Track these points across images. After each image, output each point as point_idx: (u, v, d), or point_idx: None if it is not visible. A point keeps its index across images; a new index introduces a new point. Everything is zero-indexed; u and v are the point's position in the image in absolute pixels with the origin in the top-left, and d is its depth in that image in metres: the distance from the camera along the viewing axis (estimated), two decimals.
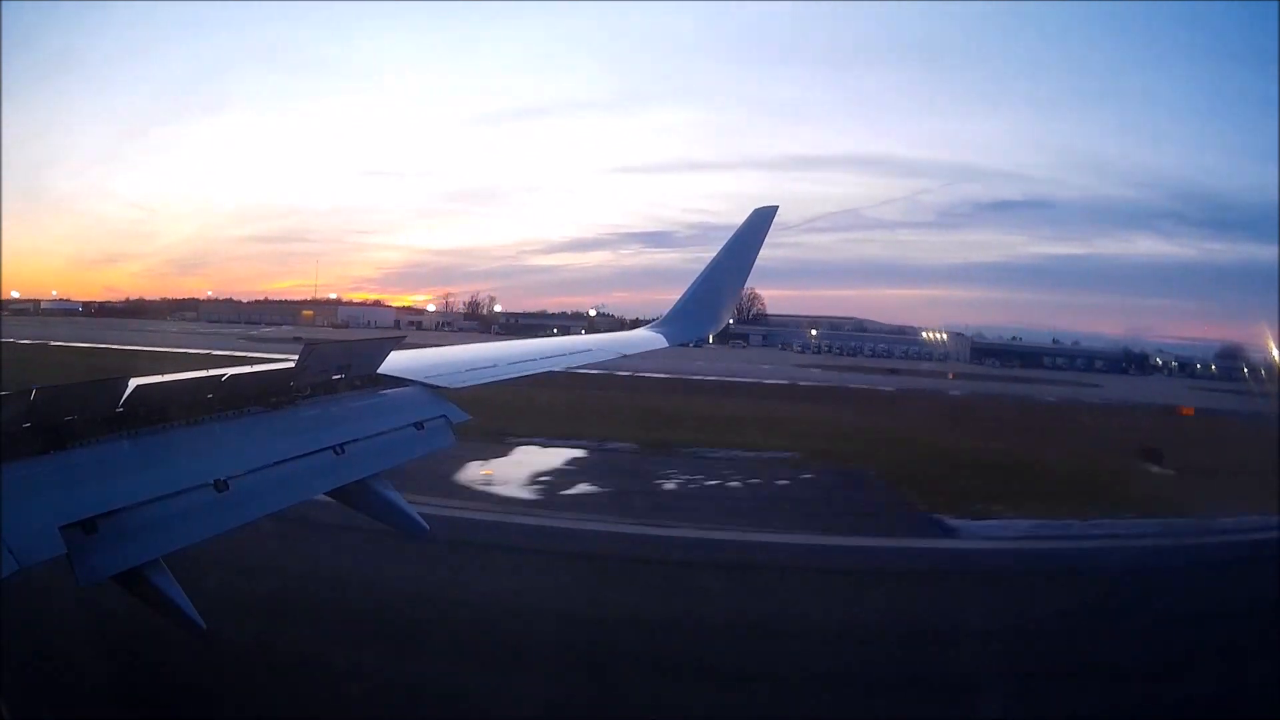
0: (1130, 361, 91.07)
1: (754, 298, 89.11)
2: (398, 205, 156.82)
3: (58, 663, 5.02)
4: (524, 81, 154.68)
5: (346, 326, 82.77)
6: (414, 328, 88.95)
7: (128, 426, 2.32)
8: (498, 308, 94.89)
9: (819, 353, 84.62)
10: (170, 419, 2.44)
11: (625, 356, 5.67)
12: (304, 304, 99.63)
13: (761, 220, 6.38)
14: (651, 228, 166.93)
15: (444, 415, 3.32)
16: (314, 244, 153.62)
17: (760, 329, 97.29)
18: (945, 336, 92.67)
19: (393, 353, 4.15)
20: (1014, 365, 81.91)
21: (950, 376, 55.39)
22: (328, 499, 2.75)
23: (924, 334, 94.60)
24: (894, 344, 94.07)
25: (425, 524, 2.88)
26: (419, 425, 3.16)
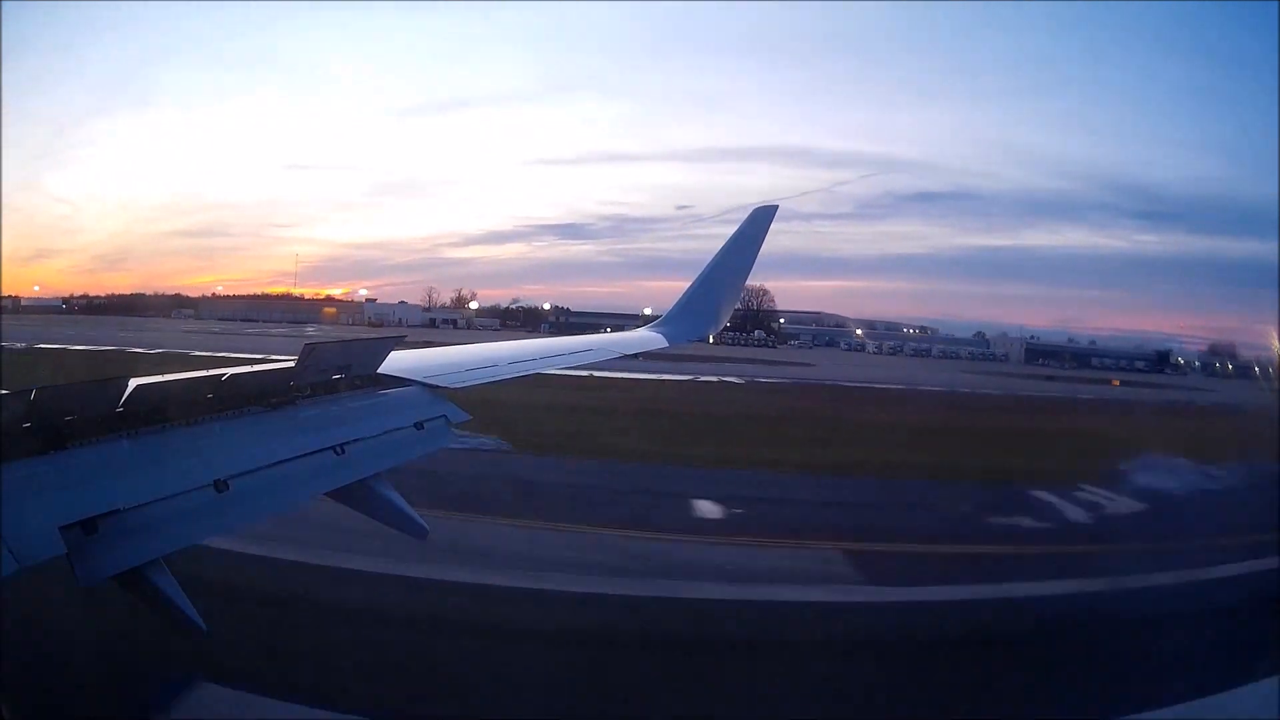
0: (1161, 361, 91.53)
1: (761, 293, 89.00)
2: (317, 199, 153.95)
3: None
4: (445, 74, 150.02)
5: (382, 325, 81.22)
6: (450, 326, 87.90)
7: (128, 426, 2.32)
8: (546, 305, 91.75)
9: (894, 354, 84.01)
10: (171, 419, 2.44)
11: (625, 357, 5.68)
12: (323, 301, 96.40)
13: (762, 219, 6.39)
14: (567, 220, 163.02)
15: (444, 415, 3.33)
16: (236, 238, 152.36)
17: (807, 328, 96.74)
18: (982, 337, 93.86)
19: (393, 352, 4.15)
20: (1071, 366, 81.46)
21: (1115, 384, 55.12)
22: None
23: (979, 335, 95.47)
24: (959, 346, 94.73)
25: (425, 525, 2.88)
26: (419, 425, 3.16)
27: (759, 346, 77.78)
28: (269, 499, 2.44)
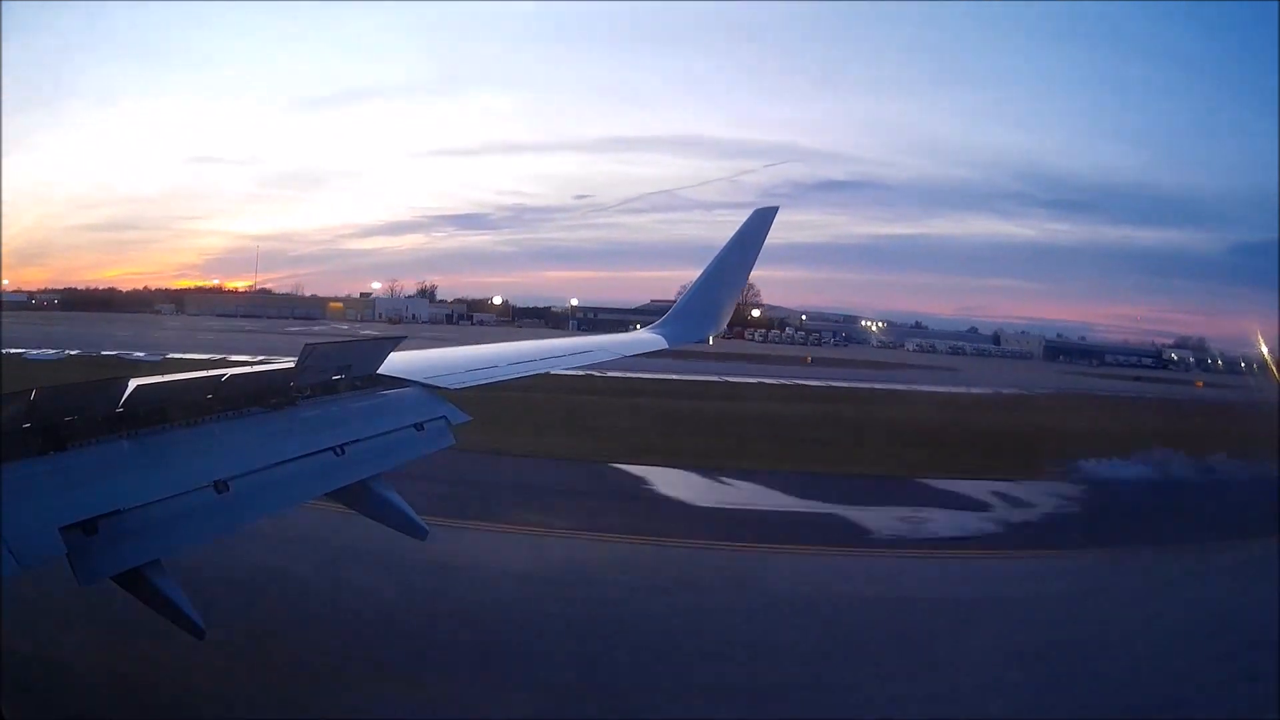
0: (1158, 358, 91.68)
1: (752, 291, 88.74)
2: (222, 191, 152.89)
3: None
4: (347, 66, 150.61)
5: (399, 321, 79.13)
6: (466, 322, 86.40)
7: (128, 427, 2.32)
8: (574, 301, 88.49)
9: (930, 352, 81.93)
10: (171, 420, 2.44)
11: (625, 357, 5.68)
12: (329, 298, 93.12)
13: (762, 221, 6.37)
14: (466, 210, 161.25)
15: (444, 416, 3.33)
16: (145, 231, 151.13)
17: (827, 324, 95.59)
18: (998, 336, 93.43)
19: (393, 352, 4.16)
20: (1092, 363, 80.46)
21: (1199, 385, 52.58)
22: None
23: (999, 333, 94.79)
24: (976, 343, 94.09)
25: (425, 526, 2.88)
26: (419, 426, 3.16)
27: (798, 344, 77.05)
28: (269, 500, 2.44)
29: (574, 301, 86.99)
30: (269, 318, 76.10)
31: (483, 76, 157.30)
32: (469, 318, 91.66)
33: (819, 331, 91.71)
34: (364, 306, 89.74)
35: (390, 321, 78.74)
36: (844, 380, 34.86)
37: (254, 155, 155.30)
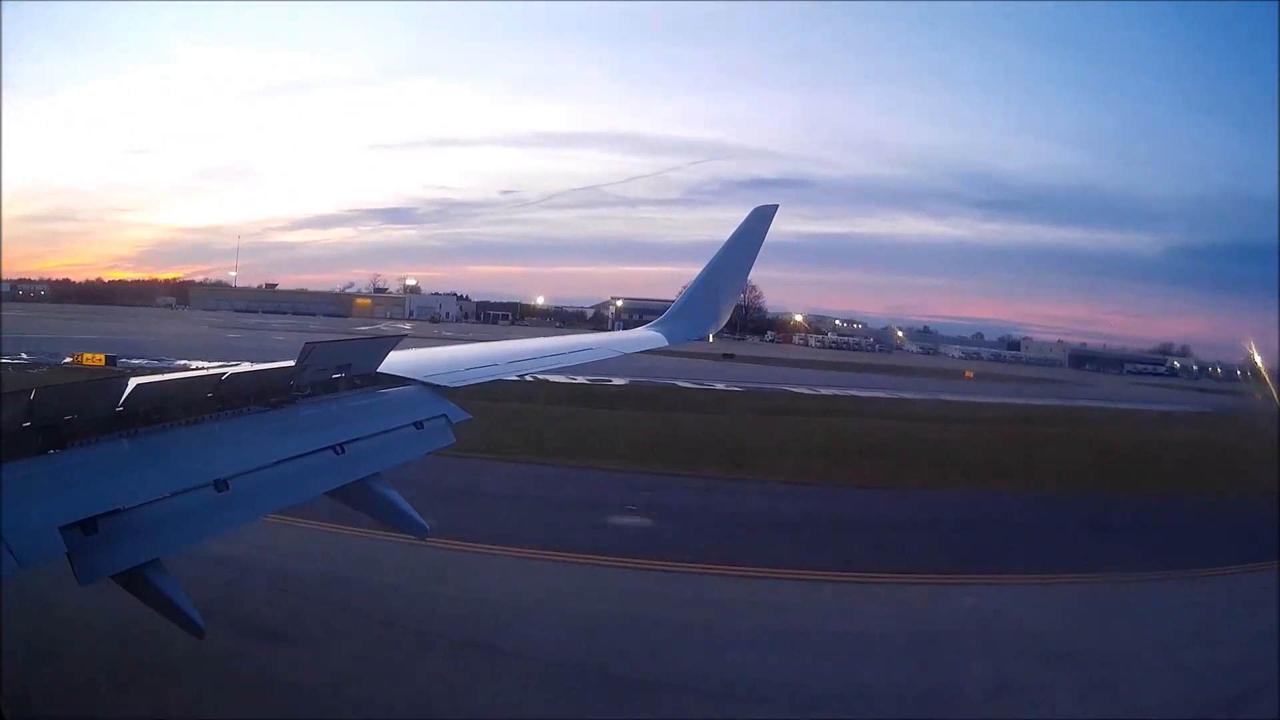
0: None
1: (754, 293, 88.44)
2: (155, 183, 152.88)
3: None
4: (279, 59, 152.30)
5: (438, 320, 77.96)
6: (505, 320, 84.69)
7: (128, 426, 2.32)
8: (619, 303, 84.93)
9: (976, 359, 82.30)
10: (171, 419, 2.44)
11: (625, 355, 5.68)
12: (352, 293, 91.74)
13: (761, 219, 6.36)
14: (393, 204, 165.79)
15: (444, 415, 3.32)
16: (80, 223, 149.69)
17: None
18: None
19: (393, 352, 4.16)
20: (1113, 371, 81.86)
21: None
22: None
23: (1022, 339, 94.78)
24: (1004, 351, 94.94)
25: (425, 524, 2.88)
26: (419, 425, 3.16)
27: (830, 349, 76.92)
28: (269, 499, 2.44)
29: (619, 302, 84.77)
30: (295, 314, 73.88)
31: (412, 70, 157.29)
32: (505, 316, 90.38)
33: (851, 338, 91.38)
34: (393, 304, 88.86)
35: (431, 320, 77.76)
36: (1077, 400, 34.32)
37: (187, 148, 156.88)
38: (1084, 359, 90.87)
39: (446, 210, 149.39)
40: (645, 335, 6.07)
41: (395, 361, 3.90)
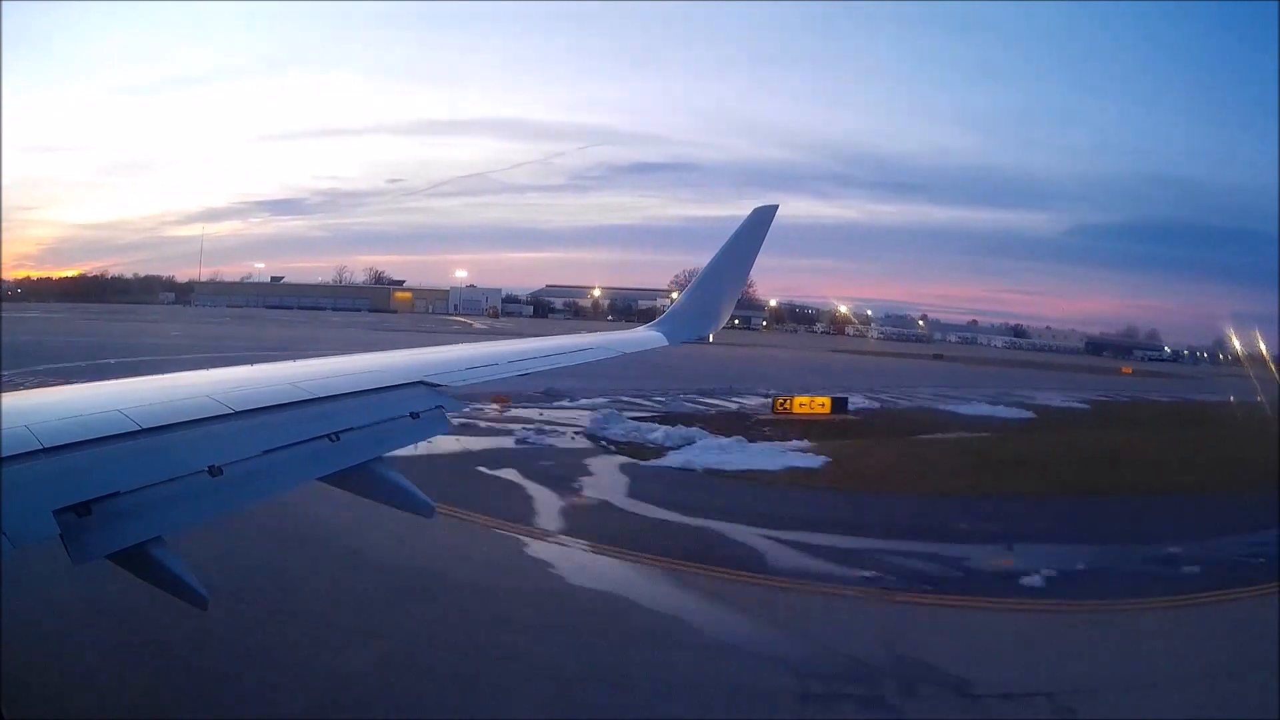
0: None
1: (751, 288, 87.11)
2: (55, 180, 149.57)
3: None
4: (172, 52, 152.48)
5: (497, 315, 75.00)
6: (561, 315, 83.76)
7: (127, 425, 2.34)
8: (674, 293, 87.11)
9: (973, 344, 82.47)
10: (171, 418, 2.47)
11: (625, 355, 5.67)
12: (382, 286, 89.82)
13: (761, 218, 6.37)
14: (282, 195, 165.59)
15: (440, 405, 3.34)
16: None
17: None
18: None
19: (393, 352, 4.18)
20: (1135, 359, 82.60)
21: None
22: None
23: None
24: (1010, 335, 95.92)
25: (431, 502, 2.88)
26: (414, 415, 3.17)
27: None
28: (263, 483, 2.45)
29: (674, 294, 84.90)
30: (328, 309, 71.78)
31: (300, 60, 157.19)
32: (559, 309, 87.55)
33: (895, 329, 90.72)
34: (436, 298, 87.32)
35: (493, 315, 74.98)
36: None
37: (85, 143, 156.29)
38: (1101, 346, 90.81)
39: (334, 200, 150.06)
40: (647, 335, 6.07)
41: (396, 362, 3.92)
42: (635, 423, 17.67)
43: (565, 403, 20.75)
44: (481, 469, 12.97)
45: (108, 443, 2.22)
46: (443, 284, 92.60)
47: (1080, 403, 33.12)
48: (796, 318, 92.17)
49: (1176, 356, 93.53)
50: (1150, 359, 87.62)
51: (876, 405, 25.66)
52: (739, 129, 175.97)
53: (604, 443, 15.92)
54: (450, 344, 5.03)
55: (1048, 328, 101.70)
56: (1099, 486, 14.23)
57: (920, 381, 36.54)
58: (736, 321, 77.95)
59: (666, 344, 5.92)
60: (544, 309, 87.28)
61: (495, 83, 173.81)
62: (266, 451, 2.51)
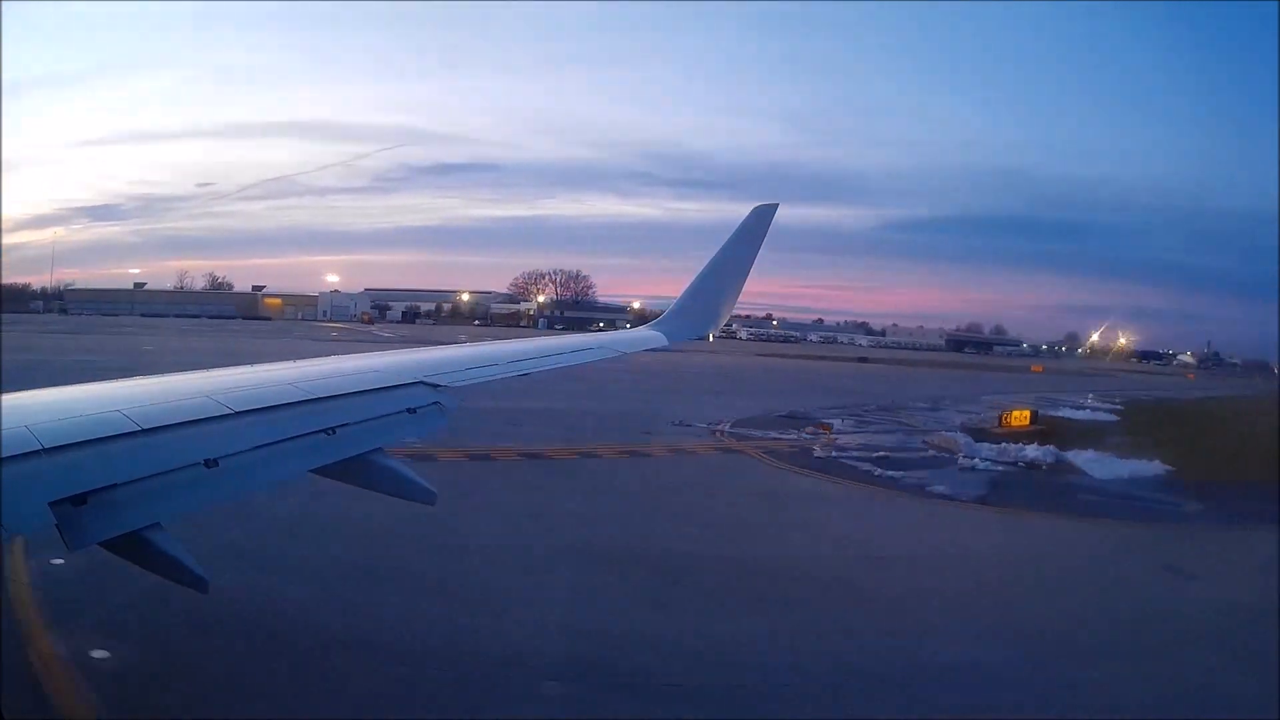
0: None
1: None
2: None
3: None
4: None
5: (372, 321, 73.59)
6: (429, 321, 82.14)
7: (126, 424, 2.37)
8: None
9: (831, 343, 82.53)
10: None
11: (625, 355, 5.68)
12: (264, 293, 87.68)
13: (761, 217, 6.36)
14: (99, 201, 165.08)
15: (438, 402, 3.35)
16: None
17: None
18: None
19: (394, 353, 4.20)
20: (986, 353, 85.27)
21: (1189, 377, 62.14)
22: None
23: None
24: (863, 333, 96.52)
25: (433, 490, 2.88)
26: (412, 410, 3.19)
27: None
28: (258, 473, 2.47)
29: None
30: (208, 316, 67.91)
31: (115, 65, 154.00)
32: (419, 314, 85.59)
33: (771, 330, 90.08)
34: (305, 304, 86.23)
35: (364, 319, 73.85)
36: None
37: None
38: (962, 343, 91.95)
39: (149, 205, 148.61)
40: (646, 335, 6.07)
41: (397, 362, 3.93)
42: (994, 445, 17.08)
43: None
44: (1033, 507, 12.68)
45: (106, 442, 2.25)
46: (309, 289, 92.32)
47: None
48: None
49: (1035, 351, 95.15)
50: (1012, 354, 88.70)
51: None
52: (541, 128, 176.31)
53: (1020, 465, 15.73)
54: (431, 347, 5.01)
55: (894, 324, 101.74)
56: None
57: (949, 388, 36.95)
58: (601, 325, 77.49)
59: (666, 344, 5.93)
60: (413, 315, 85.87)
61: (304, 84, 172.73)
62: (262, 445, 2.53)
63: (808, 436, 18.49)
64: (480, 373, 4.05)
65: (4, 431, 2.11)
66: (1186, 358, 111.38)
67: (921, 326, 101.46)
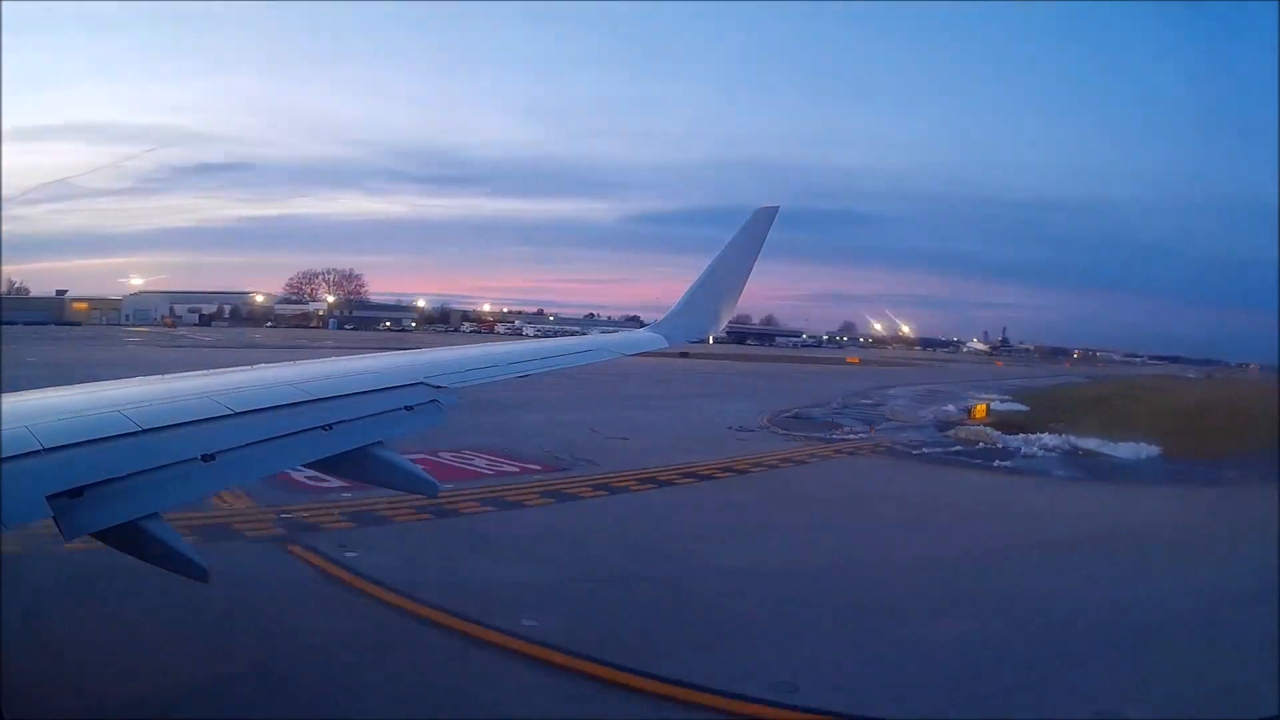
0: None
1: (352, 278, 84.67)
2: None
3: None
4: None
5: (174, 326, 68.49)
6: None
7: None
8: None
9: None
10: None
11: (626, 356, 5.70)
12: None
13: (763, 220, 6.37)
14: None
15: (435, 400, 3.37)
16: None
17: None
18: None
19: (394, 354, 4.22)
20: (769, 344, 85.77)
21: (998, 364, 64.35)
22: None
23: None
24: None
25: (435, 482, 2.88)
26: (409, 408, 3.20)
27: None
28: (254, 466, 2.50)
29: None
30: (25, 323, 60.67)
31: None
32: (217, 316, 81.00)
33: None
34: (110, 307, 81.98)
35: (166, 324, 70.08)
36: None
37: None
38: (744, 335, 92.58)
39: None
40: (646, 336, 6.09)
41: (396, 364, 3.95)
42: (1012, 435, 17.98)
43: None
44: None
45: (105, 440, 2.27)
46: (112, 293, 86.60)
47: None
48: (445, 318, 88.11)
49: (819, 342, 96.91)
50: (796, 345, 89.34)
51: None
52: (296, 126, 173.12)
53: (1059, 451, 16.69)
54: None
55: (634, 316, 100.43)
56: None
57: (876, 382, 36.61)
58: (389, 324, 76.93)
59: (666, 345, 5.94)
60: (208, 319, 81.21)
61: (80, 85, 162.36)
62: (260, 441, 2.55)
63: (854, 436, 18.61)
64: (481, 374, 4.06)
65: (4, 431, 2.14)
66: (975, 344, 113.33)
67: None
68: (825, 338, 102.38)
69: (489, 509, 9.27)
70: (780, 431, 18.42)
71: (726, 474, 12.72)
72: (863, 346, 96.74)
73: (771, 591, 7.00)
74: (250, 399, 2.79)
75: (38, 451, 2.10)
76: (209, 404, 2.66)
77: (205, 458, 2.35)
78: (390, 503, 8.41)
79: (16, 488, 1.96)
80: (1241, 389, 47.16)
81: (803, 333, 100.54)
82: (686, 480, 11.94)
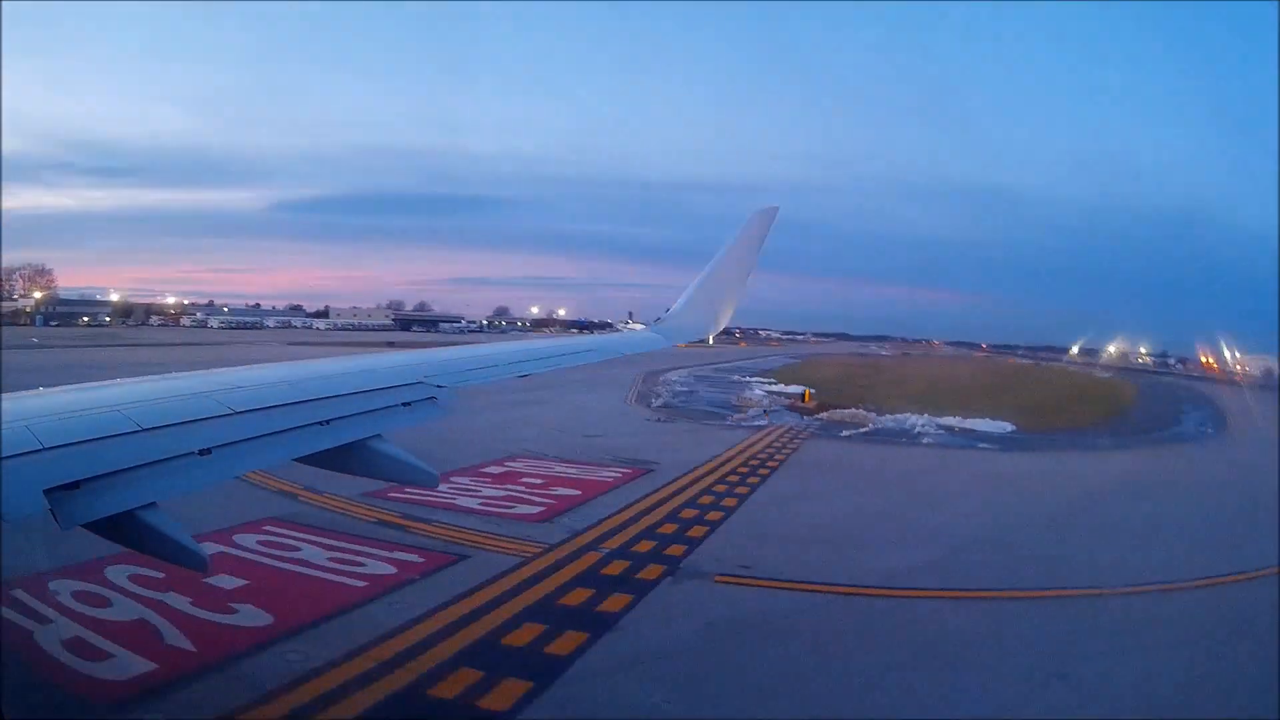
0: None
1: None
2: None
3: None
4: None
5: None
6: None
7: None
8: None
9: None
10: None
11: (625, 356, 5.70)
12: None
13: (763, 220, 6.38)
14: None
15: (433, 397, 3.37)
16: None
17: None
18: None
19: (395, 354, 4.23)
20: (433, 330, 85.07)
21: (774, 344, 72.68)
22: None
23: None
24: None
25: (434, 473, 2.88)
26: (407, 404, 3.21)
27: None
28: (250, 459, 2.50)
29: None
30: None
31: None
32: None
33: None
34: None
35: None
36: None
37: None
38: (409, 322, 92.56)
39: None
40: (646, 336, 6.10)
41: (396, 363, 3.96)
42: (889, 416, 19.97)
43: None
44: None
45: (104, 438, 2.28)
46: None
47: None
48: (128, 312, 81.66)
49: (481, 328, 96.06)
50: (459, 330, 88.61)
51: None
52: None
53: (942, 430, 18.49)
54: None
55: (354, 307, 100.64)
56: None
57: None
58: (86, 319, 70.42)
59: (666, 345, 5.94)
60: None
61: None
62: (257, 436, 2.56)
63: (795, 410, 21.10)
64: (483, 374, 4.07)
65: (4, 429, 2.14)
66: (633, 325, 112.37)
67: (379, 306, 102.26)
68: (485, 323, 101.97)
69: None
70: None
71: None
72: (523, 330, 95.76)
73: None
74: (249, 398, 2.80)
75: (37, 451, 2.11)
76: (207, 402, 2.68)
77: (202, 452, 2.36)
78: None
79: (13, 483, 1.97)
80: (966, 366, 51.69)
81: (462, 318, 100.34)
82: None
